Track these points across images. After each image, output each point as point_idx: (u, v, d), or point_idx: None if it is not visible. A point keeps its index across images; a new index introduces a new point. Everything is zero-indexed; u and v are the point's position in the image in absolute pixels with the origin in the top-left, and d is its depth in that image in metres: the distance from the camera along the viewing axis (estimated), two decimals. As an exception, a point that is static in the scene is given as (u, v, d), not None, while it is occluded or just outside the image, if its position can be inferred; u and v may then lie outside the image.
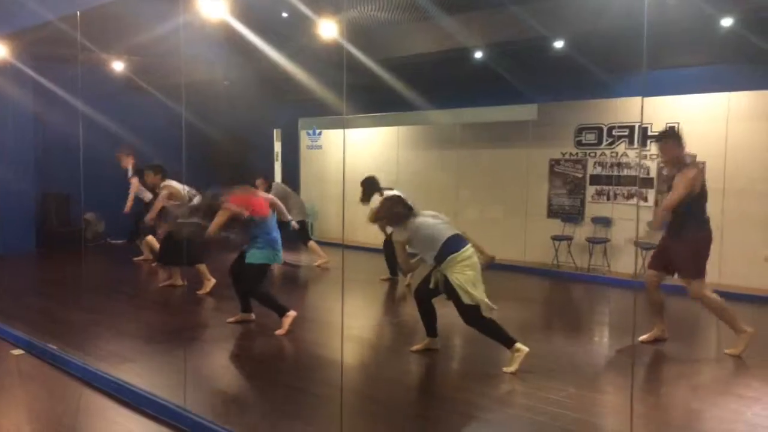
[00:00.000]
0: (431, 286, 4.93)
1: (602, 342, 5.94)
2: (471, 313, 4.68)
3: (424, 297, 5.04)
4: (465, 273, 4.64)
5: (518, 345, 4.70)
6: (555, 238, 9.27)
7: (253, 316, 6.01)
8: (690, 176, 5.02)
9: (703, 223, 5.19)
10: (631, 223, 8.71)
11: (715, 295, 5.15)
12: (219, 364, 5.01)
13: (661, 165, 5.26)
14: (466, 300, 4.62)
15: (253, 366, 5.04)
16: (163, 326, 6.00)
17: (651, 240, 8.50)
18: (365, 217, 5.57)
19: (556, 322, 6.75)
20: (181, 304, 7.00)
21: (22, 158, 9.84)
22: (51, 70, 9.09)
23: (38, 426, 3.75)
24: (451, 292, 4.69)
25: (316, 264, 9.26)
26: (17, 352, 5.05)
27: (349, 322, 5.94)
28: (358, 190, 7.86)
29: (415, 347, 5.18)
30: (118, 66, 9.39)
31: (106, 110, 10.03)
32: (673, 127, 5.48)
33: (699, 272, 5.12)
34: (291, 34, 7.53)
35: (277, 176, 13.10)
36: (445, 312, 5.09)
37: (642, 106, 8.25)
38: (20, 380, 4.51)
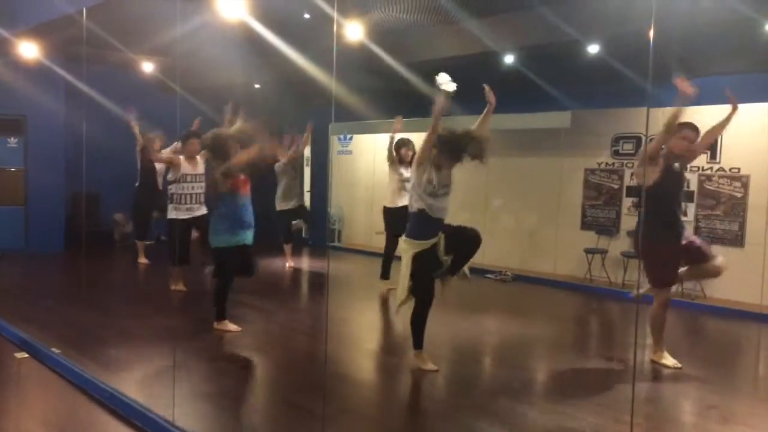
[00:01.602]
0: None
1: (630, 366, 5.55)
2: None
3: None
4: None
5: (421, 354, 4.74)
6: (588, 251, 8.88)
7: None
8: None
9: (668, 225, 4.89)
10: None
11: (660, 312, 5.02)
12: (221, 376, 4.83)
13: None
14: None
15: (256, 381, 4.86)
16: (172, 332, 5.86)
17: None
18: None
19: (587, 342, 6.38)
20: (197, 308, 6.84)
21: (52, 157, 9.92)
22: (81, 70, 9.12)
23: (23, 435, 3.63)
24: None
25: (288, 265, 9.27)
26: (21, 355, 4.97)
27: (365, 335, 5.72)
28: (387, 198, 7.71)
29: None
30: (147, 67, 9.38)
31: (137, 111, 10.11)
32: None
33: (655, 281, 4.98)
34: (314, 36, 7.36)
35: (306, 181, 12.98)
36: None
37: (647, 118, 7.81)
38: (17, 385, 4.42)
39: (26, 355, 4.96)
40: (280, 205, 9.03)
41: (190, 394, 4.27)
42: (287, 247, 9.36)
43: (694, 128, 5.01)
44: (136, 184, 8.90)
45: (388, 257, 7.75)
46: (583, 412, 4.10)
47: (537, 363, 5.34)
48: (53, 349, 4.88)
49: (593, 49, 7.11)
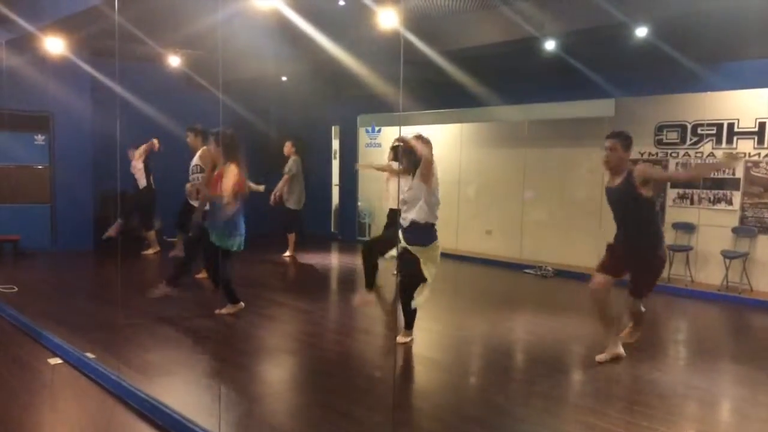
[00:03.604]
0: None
1: (677, 365, 5.24)
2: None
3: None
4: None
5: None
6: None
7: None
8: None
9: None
10: (717, 230, 7.91)
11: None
12: (265, 382, 4.61)
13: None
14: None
15: (301, 386, 4.62)
16: (208, 334, 5.67)
17: (739, 248, 7.73)
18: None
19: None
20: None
21: (80, 155, 9.78)
22: (108, 65, 8.94)
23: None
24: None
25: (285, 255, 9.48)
26: (54, 360, 4.78)
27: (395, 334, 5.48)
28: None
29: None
30: (174, 61, 9.18)
31: (164, 107, 9.94)
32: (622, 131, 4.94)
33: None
34: (348, 24, 7.11)
35: (335, 175, 12.75)
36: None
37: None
38: (51, 393, 4.23)
39: (60, 361, 4.77)
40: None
41: (232, 401, 4.05)
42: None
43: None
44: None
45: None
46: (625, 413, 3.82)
47: (587, 365, 5.04)
48: (88, 354, 4.69)
49: (641, 32, 6.73)
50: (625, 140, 4.82)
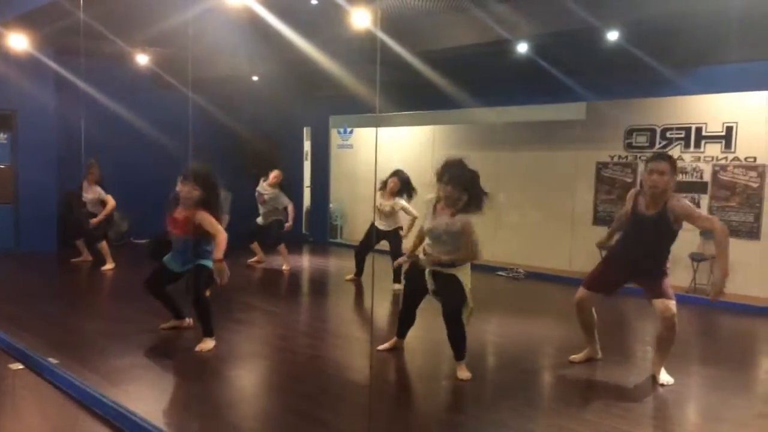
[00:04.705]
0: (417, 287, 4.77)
1: (648, 366, 5.26)
2: (458, 314, 4.55)
3: (418, 301, 4.92)
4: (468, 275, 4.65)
5: (464, 367, 4.59)
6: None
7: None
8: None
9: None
10: (685, 234, 7.96)
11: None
12: (236, 387, 4.51)
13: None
14: (470, 302, 4.56)
15: (270, 392, 4.53)
16: (177, 339, 5.53)
17: (705, 251, 7.83)
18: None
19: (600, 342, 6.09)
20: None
21: (44, 154, 9.52)
22: (73, 62, 8.73)
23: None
24: (453, 289, 4.53)
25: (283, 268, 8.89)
26: (15, 366, 4.61)
27: (377, 337, 5.42)
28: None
29: (381, 346, 5.12)
30: (141, 59, 9.00)
31: (131, 106, 9.75)
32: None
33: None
34: (321, 23, 7.03)
35: (306, 176, 12.65)
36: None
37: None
38: (12, 399, 4.07)
39: (21, 366, 4.60)
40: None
41: (202, 407, 3.95)
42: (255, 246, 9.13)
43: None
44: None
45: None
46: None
47: (560, 366, 5.04)
48: (50, 359, 4.53)
49: (612, 36, 6.79)
50: (674, 164, 4.44)
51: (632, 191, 4.73)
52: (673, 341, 4.54)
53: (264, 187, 8.61)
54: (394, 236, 7.61)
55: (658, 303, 4.45)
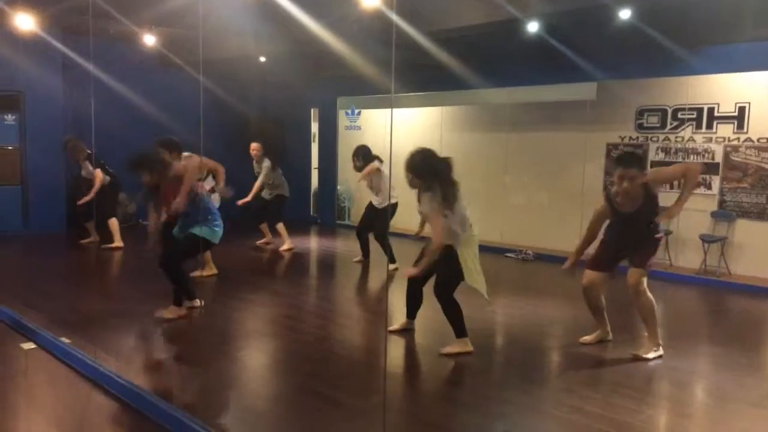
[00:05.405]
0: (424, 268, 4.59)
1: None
2: (449, 288, 4.58)
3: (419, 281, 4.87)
4: (475, 250, 4.63)
5: (467, 341, 4.61)
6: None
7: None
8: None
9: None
10: (696, 215, 7.94)
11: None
12: (247, 367, 4.52)
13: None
14: (469, 280, 4.53)
15: (282, 372, 4.54)
16: (188, 320, 5.54)
17: (715, 233, 7.78)
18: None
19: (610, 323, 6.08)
20: (212, 293, 6.51)
21: (51, 135, 9.51)
22: (79, 43, 8.69)
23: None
24: (444, 264, 4.50)
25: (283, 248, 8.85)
26: (28, 345, 4.64)
27: (378, 318, 5.44)
28: (399, 175, 7.37)
29: (392, 327, 5.12)
30: (149, 39, 8.93)
31: (138, 87, 9.72)
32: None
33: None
34: (329, 2, 6.95)
35: (314, 158, 12.60)
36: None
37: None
38: (26, 379, 4.10)
39: (34, 346, 4.63)
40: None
41: (209, 385, 3.97)
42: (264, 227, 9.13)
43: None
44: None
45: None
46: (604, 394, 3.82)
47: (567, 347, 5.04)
48: (63, 339, 4.56)
49: (624, 14, 6.68)
50: (639, 163, 4.60)
51: (604, 194, 4.78)
52: (648, 312, 4.66)
53: (255, 165, 8.79)
54: (392, 212, 7.71)
55: (629, 272, 4.62)
